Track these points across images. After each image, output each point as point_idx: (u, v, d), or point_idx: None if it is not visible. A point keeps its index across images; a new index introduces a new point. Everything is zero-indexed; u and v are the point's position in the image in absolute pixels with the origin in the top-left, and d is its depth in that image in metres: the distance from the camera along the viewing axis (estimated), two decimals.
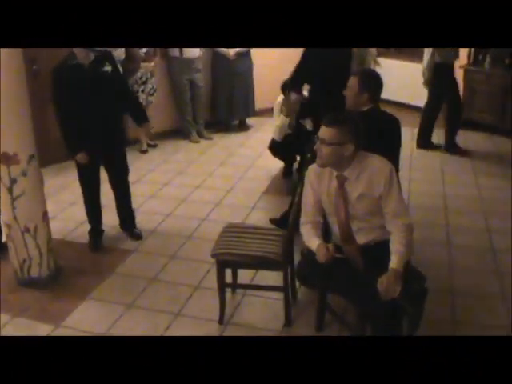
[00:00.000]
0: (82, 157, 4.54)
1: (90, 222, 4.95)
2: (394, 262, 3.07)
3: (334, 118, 3.26)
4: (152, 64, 7.16)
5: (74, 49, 4.29)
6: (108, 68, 4.45)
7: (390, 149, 3.82)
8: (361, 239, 3.35)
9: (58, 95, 4.44)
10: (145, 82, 7.05)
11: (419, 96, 8.69)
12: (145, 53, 6.98)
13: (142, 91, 7.06)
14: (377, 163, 3.25)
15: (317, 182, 3.38)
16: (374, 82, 4.02)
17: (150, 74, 7.10)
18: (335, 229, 3.44)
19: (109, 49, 4.68)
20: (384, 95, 4.36)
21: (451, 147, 7.09)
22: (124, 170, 4.89)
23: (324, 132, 3.19)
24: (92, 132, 4.50)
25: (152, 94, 7.22)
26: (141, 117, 4.86)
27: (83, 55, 4.34)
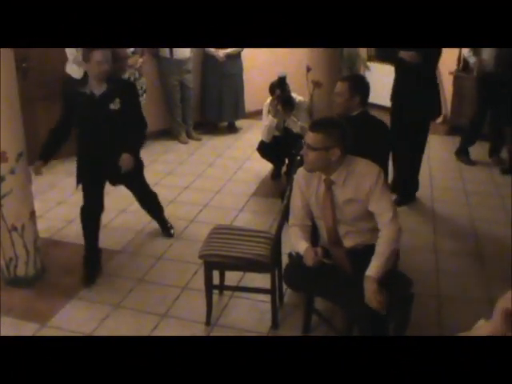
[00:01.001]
0: (36, 165, 4.34)
1: (86, 246, 4.57)
2: (370, 267, 3.11)
3: (320, 123, 3.28)
4: (140, 60, 6.97)
5: (90, 74, 4.21)
6: (116, 106, 4.19)
7: (380, 153, 3.85)
8: (348, 243, 3.36)
9: (63, 113, 4.36)
10: None
11: None
12: (132, 52, 6.90)
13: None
14: (364, 167, 3.26)
15: (305, 185, 3.39)
16: (363, 86, 4.08)
17: (138, 74, 7.02)
18: (323, 232, 3.45)
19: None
20: (372, 99, 4.39)
21: (460, 155, 7.18)
22: (143, 186, 4.81)
23: (310, 137, 3.20)
24: (95, 155, 4.35)
25: (141, 95, 7.12)
26: (127, 145, 4.39)
27: (95, 83, 4.22)
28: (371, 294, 3.02)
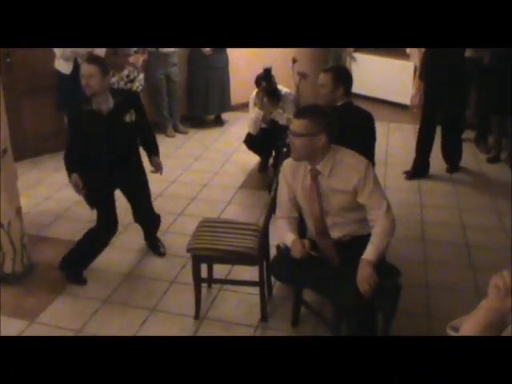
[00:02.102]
0: (75, 179, 4.14)
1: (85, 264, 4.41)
2: (367, 252, 3.11)
3: (304, 110, 3.29)
4: (141, 58, 6.85)
5: (90, 92, 3.94)
6: (131, 117, 4.12)
7: (366, 143, 3.87)
8: (336, 234, 3.36)
9: (72, 138, 4.18)
10: (132, 81, 6.81)
11: (394, 91, 8.78)
12: (135, 51, 6.77)
13: (129, 90, 6.76)
14: (351, 159, 3.26)
15: (292, 176, 3.39)
16: (347, 77, 4.10)
17: (137, 71, 6.89)
18: (310, 224, 3.45)
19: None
20: (359, 90, 4.39)
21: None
22: (146, 198, 4.69)
23: (295, 124, 3.20)
24: (104, 166, 4.19)
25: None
26: (153, 150, 4.56)
27: (101, 99, 4.01)
28: (365, 276, 3.01)
